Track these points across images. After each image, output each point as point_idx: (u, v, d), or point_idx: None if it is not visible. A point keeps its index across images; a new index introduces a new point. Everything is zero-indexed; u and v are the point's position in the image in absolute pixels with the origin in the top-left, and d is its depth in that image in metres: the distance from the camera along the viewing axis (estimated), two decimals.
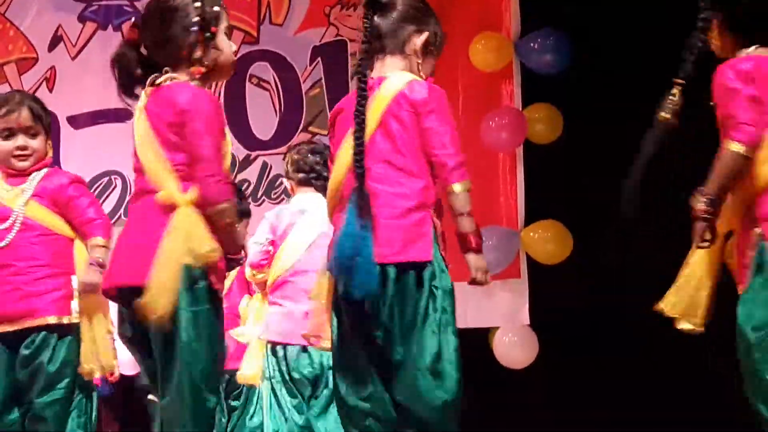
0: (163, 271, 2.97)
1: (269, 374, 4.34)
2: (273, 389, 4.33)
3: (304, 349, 4.29)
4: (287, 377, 4.32)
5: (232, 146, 6.23)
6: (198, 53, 3.09)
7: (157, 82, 3.11)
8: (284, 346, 4.33)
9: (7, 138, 3.83)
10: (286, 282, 4.35)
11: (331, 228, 3.50)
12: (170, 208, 3.01)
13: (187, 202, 3.01)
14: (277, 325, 4.34)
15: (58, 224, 3.82)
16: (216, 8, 3.14)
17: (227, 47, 3.17)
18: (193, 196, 3.01)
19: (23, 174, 3.84)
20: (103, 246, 3.75)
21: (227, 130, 3.18)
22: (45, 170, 3.88)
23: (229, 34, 3.19)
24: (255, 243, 4.37)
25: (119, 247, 3.18)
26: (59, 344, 3.74)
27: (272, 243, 4.36)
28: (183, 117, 3.02)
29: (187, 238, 2.99)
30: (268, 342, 4.37)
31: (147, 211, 3.07)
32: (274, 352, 4.34)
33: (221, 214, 3.03)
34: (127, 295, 3.06)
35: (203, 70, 3.10)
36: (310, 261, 4.24)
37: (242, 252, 3.14)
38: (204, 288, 3.02)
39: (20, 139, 3.83)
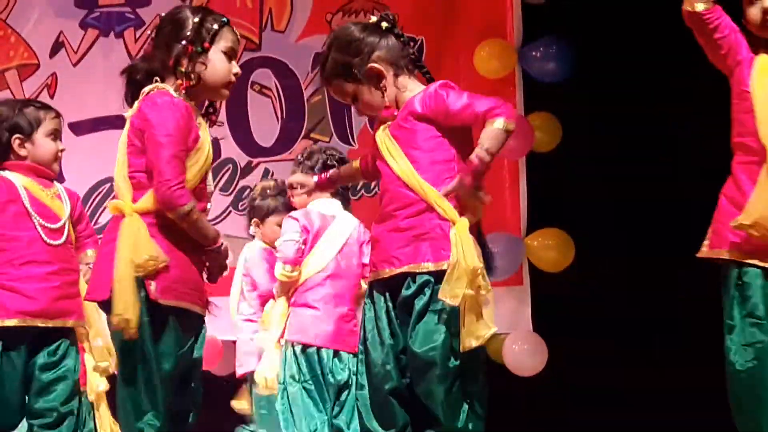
0: (118, 283, 3.06)
1: (300, 377, 4.29)
2: (306, 390, 4.28)
3: (336, 353, 4.29)
4: (322, 380, 4.29)
5: (234, 152, 6.29)
6: (183, 65, 3.15)
7: (144, 90, 3.17)
8: (317, 349, 4.30)
9: (54, 140, 3.84)
10: (319, 285, 4.31)
11: (364, 233, 4.11)
12: (122, 218, 3.12)
13: (131, 211, 3.10)
14: (313, 327, 4.31)
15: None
16: (215, 26, 3.18)
17: (220, 66, 3.19)
18: (142, 204, 3.10)
19: (47, 177, 3.85)
20: None
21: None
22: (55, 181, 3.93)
23: (230, 56, 3.20)
24: (290, 240, 4.31)
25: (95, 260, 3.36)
26: (74, 352, 3.78)
27: (304, 242, 4.35)
28: (145, 124, 3.10)
29: (128, 247, 3.07)
30: (299, 344, 4.32)
31: (111, 221, 3.21)
32: (306, 355, 4.30)
33: (181, 219, 3.09)
34: (105, 309, 3.18)
35: (188, 83, 3.15)
36: (341, 266, 4.31)
37: (219, 242, 3.17)
38: (143, 300, 3.08)
39: (60, 144, 3.87)
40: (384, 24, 3.25)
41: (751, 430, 3.01)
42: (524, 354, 5.70)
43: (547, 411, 5.66)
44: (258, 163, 6.25)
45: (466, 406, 3.08)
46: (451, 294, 3.02)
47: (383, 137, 3.22)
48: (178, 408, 3.18)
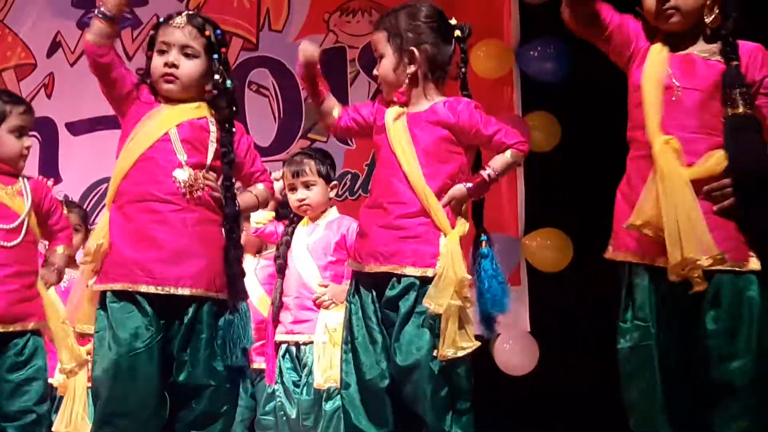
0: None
1: None
2: None
3: None
4: None
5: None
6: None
7: None
8: None
9: (19, 137, 3.76)
10: None
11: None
12: None
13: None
14: None
15: (39, 235, 3.85)
16: (152, 31, 3.33)
17: (153, 64, 3.30)
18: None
19: (10, 174, 3.78)
20: (68, 255, 3.99)
21: None
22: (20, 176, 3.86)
23: (162, 50, 3.28)
24: None
25: None
26: (42, 350, 3.74)
27: None
28: None
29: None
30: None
31: None
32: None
33: None
34: None
35: (147, 84, 3.35)
36: None
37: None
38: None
39: (27, 141, 3.80)
40: (457, 32, 3.33)
41: (647, 429, 2.93)
42: (515, 353, 5.70)
43: (543, 411, 5.65)
44: None
45: (451, 412, 3.11)
46: (436, 302, 3.07)
47: (400, 127, 3.23)
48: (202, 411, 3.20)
